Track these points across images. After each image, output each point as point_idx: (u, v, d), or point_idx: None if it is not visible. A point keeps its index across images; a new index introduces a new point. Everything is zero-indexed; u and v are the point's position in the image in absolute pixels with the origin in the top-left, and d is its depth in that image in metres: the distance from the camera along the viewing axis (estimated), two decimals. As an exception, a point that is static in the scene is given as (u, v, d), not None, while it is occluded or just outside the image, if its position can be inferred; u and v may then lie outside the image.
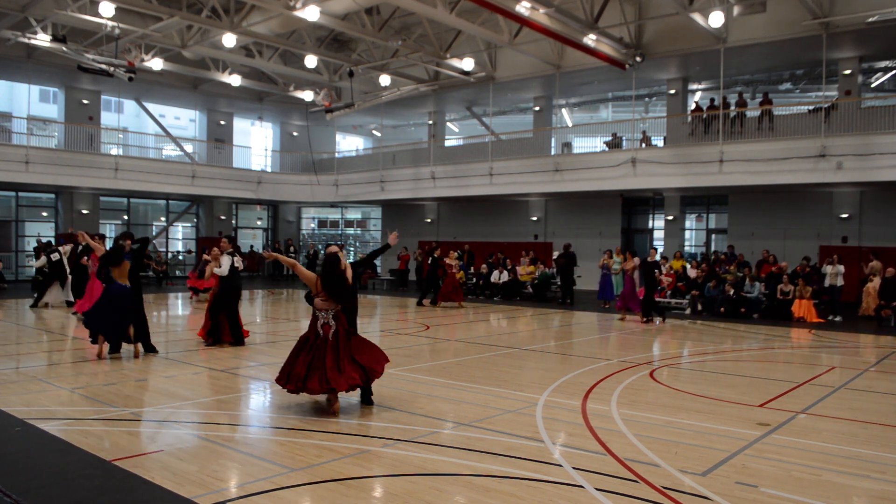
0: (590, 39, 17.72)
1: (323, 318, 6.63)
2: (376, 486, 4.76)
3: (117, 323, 9.47)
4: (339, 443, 5.64)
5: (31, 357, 10.11)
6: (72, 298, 16.10)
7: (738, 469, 5.13)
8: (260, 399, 7.63)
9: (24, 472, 4.78)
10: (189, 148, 30.37)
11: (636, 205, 25.56)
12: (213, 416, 6.52)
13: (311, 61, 21.37)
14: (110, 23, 18.15)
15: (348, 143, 37.24)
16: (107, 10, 16.58)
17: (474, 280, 22.84)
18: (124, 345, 9.83)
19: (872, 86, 24.12)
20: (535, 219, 26.31)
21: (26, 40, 19.25)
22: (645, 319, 15.16)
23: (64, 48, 18.96)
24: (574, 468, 5.07)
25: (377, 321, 15.86)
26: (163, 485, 4.59)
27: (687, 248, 24.15)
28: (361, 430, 6.05)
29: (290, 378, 6.56)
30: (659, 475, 4.94)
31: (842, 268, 16.73)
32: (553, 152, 24.16)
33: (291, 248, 30.22)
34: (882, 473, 5.17)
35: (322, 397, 6.86)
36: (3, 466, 4.90)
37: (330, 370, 6.42)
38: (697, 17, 17.00)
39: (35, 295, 16.82)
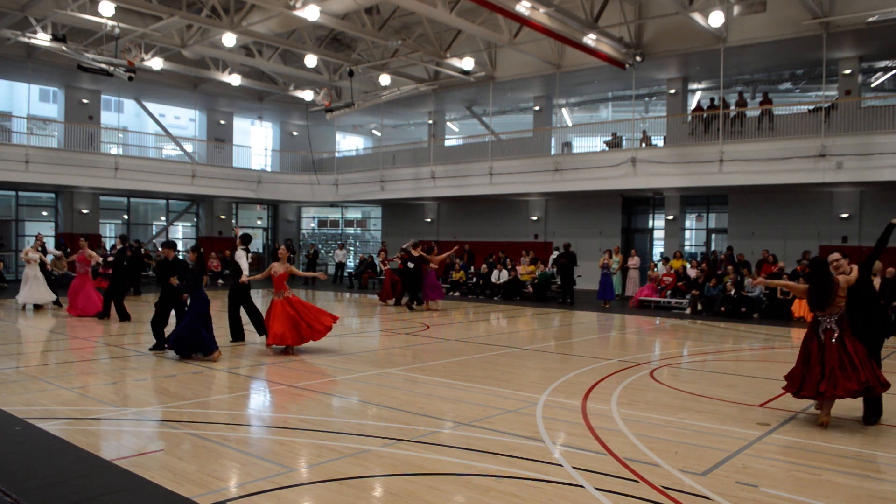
0: (590, 39, 17.71)
1: (825, 324, 6.53)
2: (376, 485, 4.76)
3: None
4: (338, 443, 5.64)
5: (31, 357, 10.12)
6: (54, 298, 15.92)
7: (739, 469, 5.13)
8: (260, 399, 7.63)
9: (24, 472, 4.78)
10: (189, 147, 30.35)
11: (636, 204, 25.54)
12: (213, 416, 6.52)
13: (311, 61, 21.35)
14: (110, 22, 18.12)
15: (348, 143, 37.21)
16: (107, 9, 16.55)
17: (474, 280, 22.84)
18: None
19: (872, 85, 24.09)
20: (535, 218, 26.29)
21: (26, 40, 19.22)
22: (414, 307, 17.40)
23: (64, 48, 18.94)
24: (574, 468, 5.07)
25: (377, 321, 15.86)
26: (163, 484, 4.59)
27: (687, 248, 24.13)
28: (361, 429, 6.05)
29: (803, 386, 6.49)
30: (659, 475, 4.94)
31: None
32: (553, 152, 24.15)
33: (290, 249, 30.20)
34: (882, 473, 5.17)
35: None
36: (3, 466, 4.89)
37: (832, 375, 6.29)
38: (697, 17, 16.99)
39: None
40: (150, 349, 10.20)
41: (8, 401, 6.86)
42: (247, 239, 11.53)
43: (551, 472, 4.96)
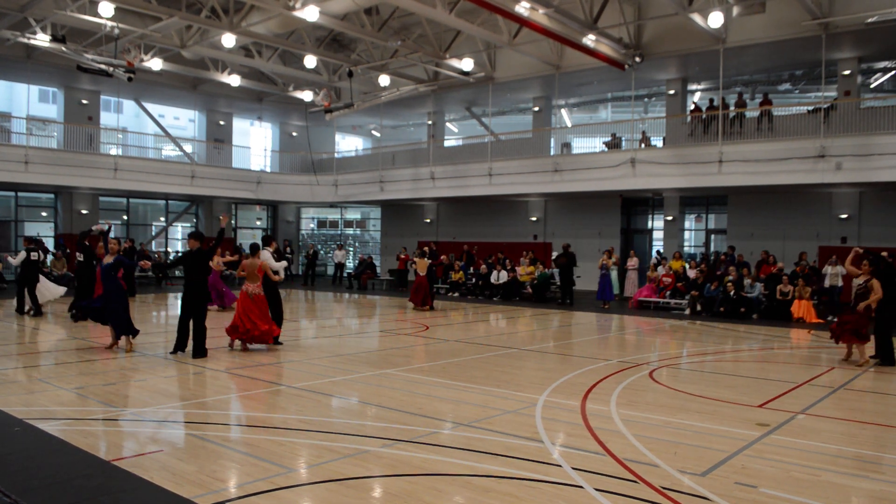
0: (589, 40, 17.73)
1: None
2: (375, 486, 4.76)
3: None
4: (338, 443, 5.65)
5: (31, 357, 10.12)
6: (64, 290, 15.80)
7: (738, 469, 5.13)
8: (259, 399, 7.62)
9: (24, 472, 4.78)
10: (188, 148, 30.35)
11: (635, 205, 25.56)
12: (212, 416, 6.52)
13: (310, 61, 21.36)
14: (110, 23, 18.12)
15: (348, 144, 37.23)
16: (106, 10, 16.56)
17: (473, 280, 22.84)
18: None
19: (872, 86, 24.13)
20: (534, 219, 26.31)
21: (26, 40, 19.22)
22: None
23: (63, 48, 18.93)
24: (573, 468, 5.07)
25: (376, 321, 15.86)
26: (162, 485, 4.59)
27: (686, 249, 24.15)
28: (361, 430, 6.05)
29: None
30: (658, 475, 4.95)
31: (842, 269, 16.72)
32: (552, 153, 24.17)
33: (289, 249, 30.14)
34: (882, 473, 5.18)
35: None
36: (3, 466, 4.90)
37: None
38: (697, 18, 17.00)
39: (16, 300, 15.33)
40: (194, 357, 9.76)
41: (7, 401, 6.86)
42: (268, 240, 11.88)
43: (550, 473, 4.97)
